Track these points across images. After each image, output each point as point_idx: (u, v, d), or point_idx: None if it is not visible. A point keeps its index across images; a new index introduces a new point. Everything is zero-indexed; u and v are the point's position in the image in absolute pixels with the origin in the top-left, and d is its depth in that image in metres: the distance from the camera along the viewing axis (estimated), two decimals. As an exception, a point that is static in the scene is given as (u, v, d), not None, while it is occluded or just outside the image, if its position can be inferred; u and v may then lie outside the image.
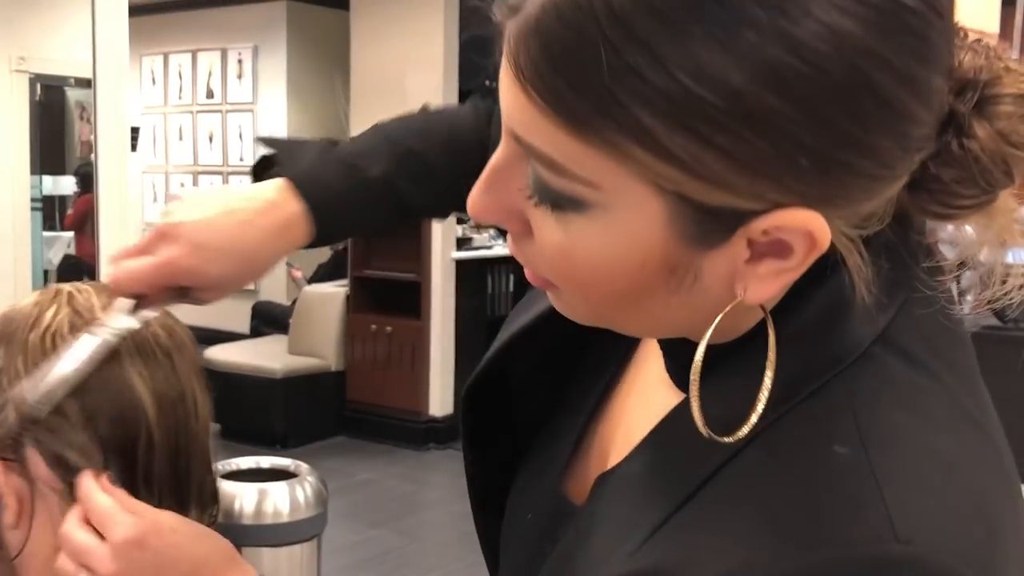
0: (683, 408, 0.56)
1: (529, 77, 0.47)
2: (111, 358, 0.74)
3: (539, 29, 0.47)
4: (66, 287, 0.78)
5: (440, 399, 5.66)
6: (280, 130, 7.63)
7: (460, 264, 5.83)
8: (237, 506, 1.55)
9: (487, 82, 6.72)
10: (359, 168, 0.84)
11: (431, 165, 0.88)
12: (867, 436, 0.51)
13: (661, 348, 0.63)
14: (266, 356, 5.74)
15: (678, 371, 0.61)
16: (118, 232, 2.52)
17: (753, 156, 0.45)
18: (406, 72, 5.59)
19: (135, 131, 5.20)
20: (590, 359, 0.75)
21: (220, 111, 7.83)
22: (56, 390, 0.72)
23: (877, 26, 0.44)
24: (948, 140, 0.50)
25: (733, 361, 0.55)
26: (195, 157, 7.98)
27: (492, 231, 6.45)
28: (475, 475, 0.83)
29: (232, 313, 7.50)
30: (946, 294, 0.56)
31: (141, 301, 0.75)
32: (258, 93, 7.73)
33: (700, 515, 0.53)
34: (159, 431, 0.77)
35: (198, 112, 7.94)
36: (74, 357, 0.72)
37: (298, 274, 6.41)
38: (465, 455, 0.82)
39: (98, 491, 0.72)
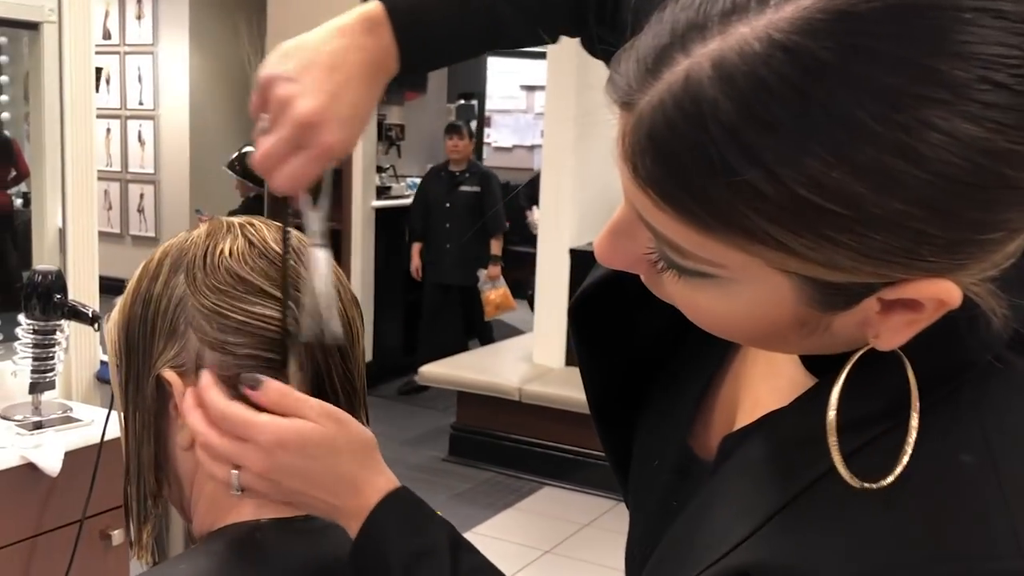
0: (809, 398, 0.58)
1: (647, 181, 0.48)
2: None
3: (653, 137, 0.47)
4: (235, 220, 0.81)
5: (359, 346, 5.69)
6: (182, 75, 7.43)
7: (379, 213, 5.86)
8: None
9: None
10: None
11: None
12: (994, 445, 0.52)
13: None
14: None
15: (811, 359, 0.61)
16: (82, 177, 2.48)
17: (879, 250, 0.45)
18: (326, 15, 5.52)
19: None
20: None
21: (118, 52, 7.55)
22: (332, 309, 0.75)
23: (1002, 125, 0.43)
24: None
25: (864, 373, 0.54)
26: (91, 100, 7.69)
27: (412, 180, 6.47)
28: (591, 382, 0.83)
29: (138, 262, 7.29)
30: None
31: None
32: (159, 35, 7.49)
33: (815, 512, 0.54)
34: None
35: (95, 53, 7.64)
36: (322, 275, 0.76)
37: (209, 222, 6.30)
38: (580, 360, 0.82)
39: (229, 403, 0.73)
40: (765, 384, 0.67)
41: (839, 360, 0.54)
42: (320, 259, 0.76)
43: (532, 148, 9.22)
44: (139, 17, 7.50)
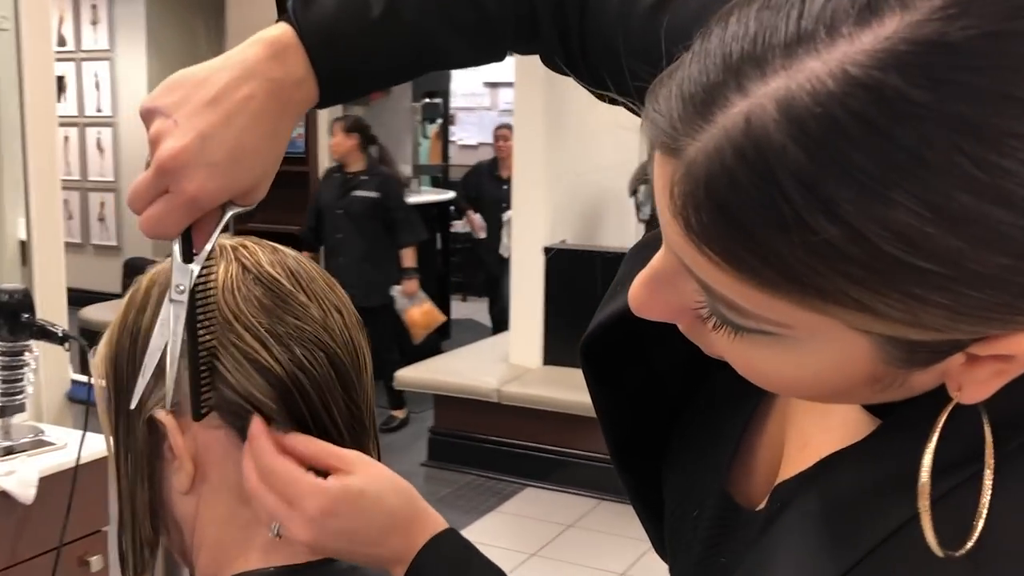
0: (873, 445, 0.53)
1: (703, 238, 0.42)
2: (307, 298, 0.73)
3: (710, 191, 0.41)
4: (227, 242, 0.75)
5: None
6: (140, 81, 7.30)
7: (347, 215, 5.78)
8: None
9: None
10: (369, 6, 0.67)
11: (481, 7, 0.71)
12: None
13: None
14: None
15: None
16: (46, 188, 2.40)
17: (977, 307, 0.40)
18: (286, 19, 5.44)
19: None
20: None
21: (74, 59, 7.40)
22: (176, 369, 0.69)
23: None
24: None
25: (925, 405, 0.49)
26: (46, 108, 7.54)
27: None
28: (609, 423, 0.76)
29: (102, 273, 7.20)
30: None
31: (192, 236, 0.68)
32: (115, 41, 7.35)
33: (891, 570, 0.49)
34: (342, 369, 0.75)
35: (48, 60, 7.49)
36: (170, 334, 0.69)
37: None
38: (596, 401, 0.75)
39: (277, 458, 0.69)
40: (813, 422, 0.60)
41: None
42: (172, 317, 0.68)
43: (497, 145, 9.19)
44: (94, 22, 7.37)
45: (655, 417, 0.74)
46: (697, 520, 0.67)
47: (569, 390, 4.30)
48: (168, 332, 0.68)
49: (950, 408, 0.47)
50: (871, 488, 0.51)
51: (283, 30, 0.66)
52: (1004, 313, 0.40)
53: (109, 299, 6.31)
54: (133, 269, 6.59)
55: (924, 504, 0.46)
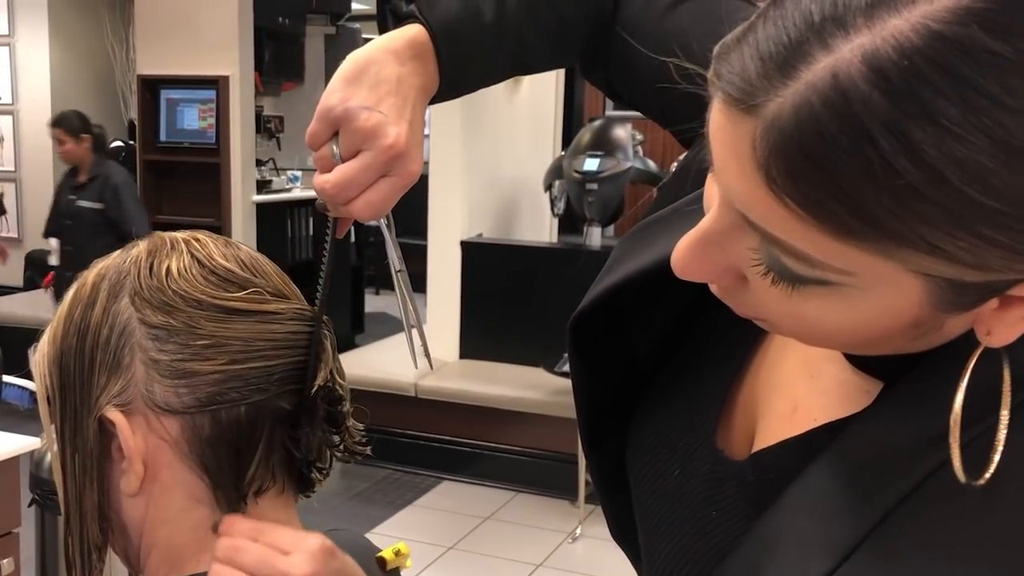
0: (883, 408, 0.56)
1: (785, 189, 0.44)
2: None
3: (798, 142, 0.43)
4: (178, 235, 0.74)
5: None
6: (43, 68, 7.05)
7: (260, 207, 5.69)
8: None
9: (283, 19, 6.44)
10: (482, 11, 0.76)
11: (561, 14, 0.80)
12: None
13: None
14: (48, 308, 5.38)
15: (868, 361, 0.59)
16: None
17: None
18: (194, 4, 5.32)
19: None
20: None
21: (-29, 44, 7.12)
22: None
23: None
24: None
25: (932, 369, 0.53)
26: (-58, 94, 7.24)
27: (292, 173, 6.30)
28: (585, 401, 0.80)
29: (1, 266, 6.95)
30: None
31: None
32: (15, 25, 7.08)
33: (902, 539, 0.52)
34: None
35: (-56, 45, 7.19)
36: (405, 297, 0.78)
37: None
38: (576, 378, 0.79)
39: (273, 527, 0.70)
40: (803, 385, 0.64)
41: (889, 359, 0.54)
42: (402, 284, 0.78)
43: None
44: (-8, 6, 7.09)
45: (626, 396, 0.78)
46: (682, 478, 0.70)
47: (486, 384, 4.30)
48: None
49: (978, 353, 0.50)
50: (890, 449, 0.54)
51: (417, 30, 0.73)
52: None
53: (10, 293, 6.10)
54: (36, 262, 6.39)
55: (955, 434, 0.49)
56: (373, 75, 0.70)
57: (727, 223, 0.50)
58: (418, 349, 0.81)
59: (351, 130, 0.69)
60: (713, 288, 0.55)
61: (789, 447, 0.62)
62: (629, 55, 0.81)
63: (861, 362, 0.59)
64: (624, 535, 0.83)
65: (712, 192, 0.52)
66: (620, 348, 0.78)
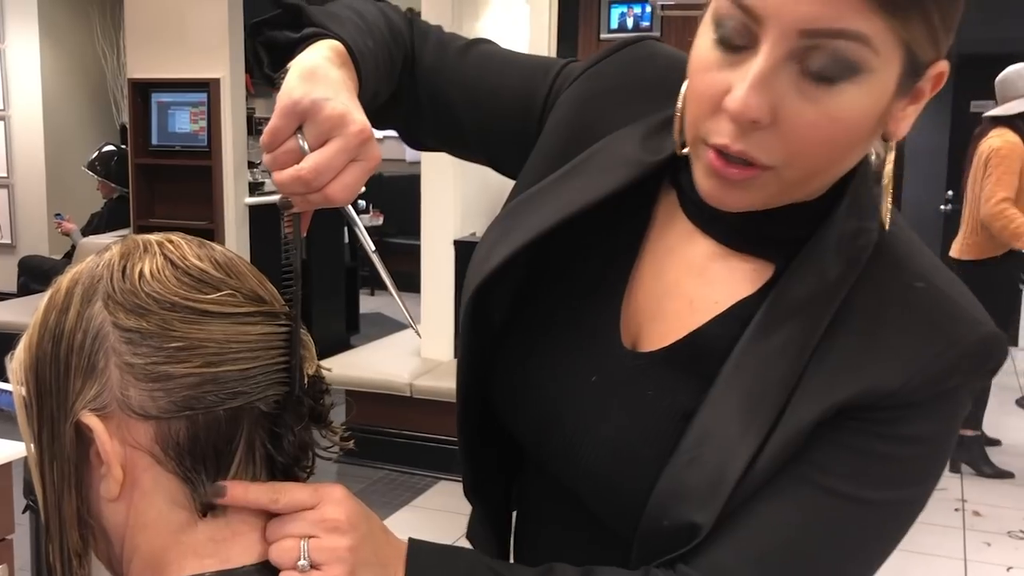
0: (783, 281, 0.77)
1: None
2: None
3: None
4: (151, 237, 0.74)
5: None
6: (34, 72, 7.04)
7: (253, 210, 5.67)
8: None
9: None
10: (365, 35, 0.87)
11: (390, 55, 0.92)
12: (925, 274, 0.76)
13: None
14: (45, 314, 5.37)
15: (760, 242, 0.79)
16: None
17: (955, 20, 0.68)
18: (183, 7, 5.31)
19: None
20: (593, 254, 0.87)
21: (-39, 50, 7.11)
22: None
23: None
24: None
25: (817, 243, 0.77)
26: (-68, 101, 7.22)
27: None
28: (470, 367, 0.92)
29: (-6, 271, 6.94)
30: None
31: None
32: (5, 30, 7.07)
33: (837, 356, 0.74)
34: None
35: (-66, 51, 7.17)
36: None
37: (71, 226, 5.98)
38: (466, 344, 0.91)
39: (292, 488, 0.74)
40: (692, 284, 0.81)
41: (777, 241, 0.78)
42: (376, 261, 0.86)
43: (406, 138, 9.11)
44: (-18, 11, 7.08)
45: (483, 358, 0.91)
46: (602, 381, 0.83)
47: (481, 382, 4.29)
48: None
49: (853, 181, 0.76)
50: (804, 300, 0.75)
51: (334, 44, 0.81)
52: (953, 29, 0.70)
53: (4, 299, 6.09)
54: (29, 268, 6.38)
55: (887, 196, 0.77)
56: (323, 74, 0.76)
57: (779, 57, 0.66)
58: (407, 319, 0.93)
59: (320, 120, 0.73)
60: (727, 140, 0.69)
61: (719, 322, 0.79)
62: (439, 90, 0.97)
63: (755, 244, 0.79)
64: (479, 489, 0.98)
65: (710, 58, 0.70)
66: (487, 317, 0.90)
